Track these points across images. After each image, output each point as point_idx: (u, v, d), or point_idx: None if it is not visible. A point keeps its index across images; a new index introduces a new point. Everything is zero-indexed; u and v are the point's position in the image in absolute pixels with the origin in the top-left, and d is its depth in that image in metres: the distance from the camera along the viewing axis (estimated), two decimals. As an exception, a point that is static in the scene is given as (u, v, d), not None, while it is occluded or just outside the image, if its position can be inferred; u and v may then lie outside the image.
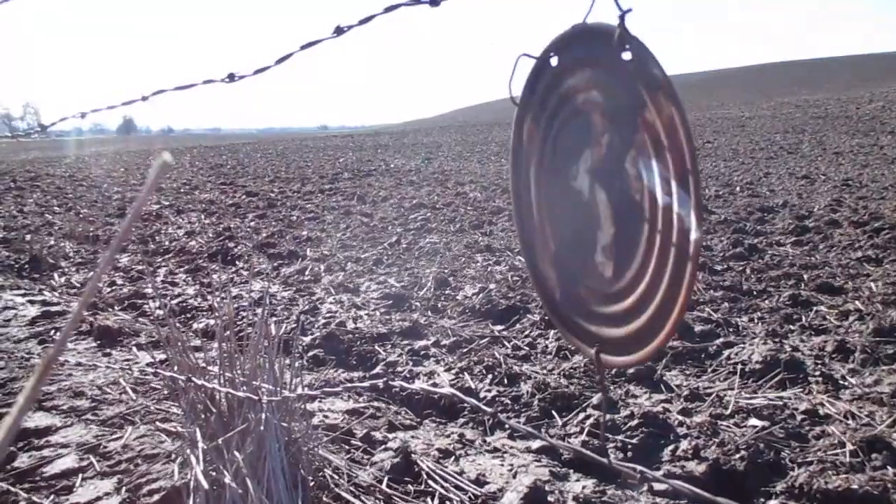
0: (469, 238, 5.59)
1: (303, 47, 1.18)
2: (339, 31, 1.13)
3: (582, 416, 2.27)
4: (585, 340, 1.15)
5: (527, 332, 3.17)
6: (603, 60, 0.93)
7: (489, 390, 2.52)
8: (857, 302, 3.41)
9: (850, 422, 2.18)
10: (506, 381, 2.58)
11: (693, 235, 0.88)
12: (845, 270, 4.13)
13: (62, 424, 2.26)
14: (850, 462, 1.92)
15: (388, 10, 0.99)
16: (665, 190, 0.91)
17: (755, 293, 3.72)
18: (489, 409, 1.19)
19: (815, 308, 3.38)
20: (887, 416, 2.20)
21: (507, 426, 2.24)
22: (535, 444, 2.10)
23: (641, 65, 0.87)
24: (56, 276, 4.49)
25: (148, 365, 2.82)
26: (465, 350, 2.96)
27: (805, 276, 3.98)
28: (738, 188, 8.57)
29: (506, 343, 3.03)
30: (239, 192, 10.03)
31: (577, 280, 1.13)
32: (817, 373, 2.57)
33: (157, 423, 2.21)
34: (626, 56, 0.88)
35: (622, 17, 0.84)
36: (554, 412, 2.32)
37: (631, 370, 2.61)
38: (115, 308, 3.72)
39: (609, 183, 1.01)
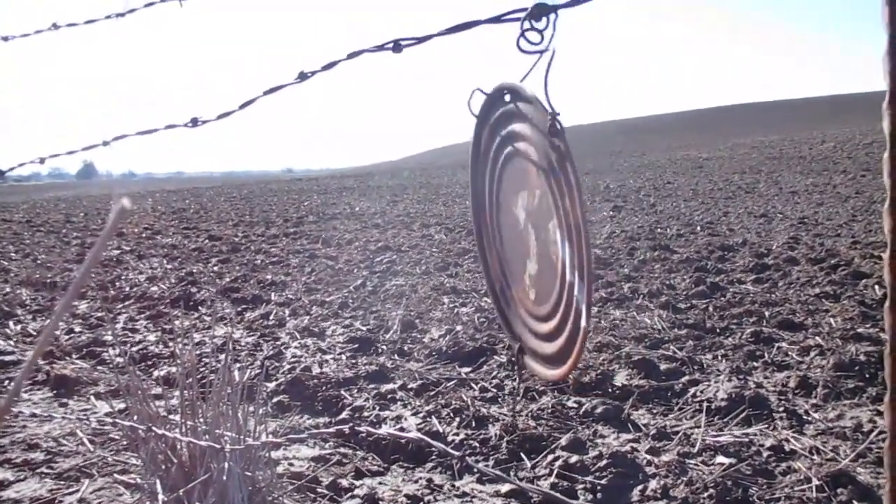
0: (435, 280, 5.59)
1: (266, 92, 1.19)
2: (302, 76, 1.13)
3: (551, 457, 2.25)
4: (514, 336, 1.23)
5: (494, 374, 3.15)
6: (540, 129, 0.99)
7: (457, 433, 2.49)
8: (817, 338, 3.47)
9: (815, 457, 2.20)
10: (474, 423, 2.56)
11: (582, 323, 0.96)
12: (805, 307, 4.21)
13: (15, 479, 2.17)
14: (816, 497, 1.94)
15: (352, 56, 1.00)
16: (570, 272, 0.97)
17: (718, 330, 3.77)
18: (457, 453, 1.17)
19: (776, 344, 3.43)
20: (851, 451, 2.23)
21: (475, 470, 2.21)
22: (505, 488, 2.08)
23: (562, 159, 0.94)
24: (11, 324, 4.37)
25: (106, 415, 2.74)
26: (432, 393, 2.94)
27: (766, 313, 4.04)
28: (698, 227, 8.73)
29: (473, 385, 3.01)
30: (202, 236, 9.92)
31: (512, 284, 1.20)
32: (781, 409, 2.60)
33: (116, 476, 2.15)
34: (557, 142, 0.95)
35: (553, 118, 0.92)
36: (522, 454, 2.31)
37: (598, 410, 2.61)
38: (73, 356, 3.62)
39: (537, 230, 1.07)
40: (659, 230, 8.62)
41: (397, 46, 0.91)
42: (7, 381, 3.21)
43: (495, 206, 1.27)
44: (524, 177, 1.09)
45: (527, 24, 0.79)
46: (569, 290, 1.00)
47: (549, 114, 0.91)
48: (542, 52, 0.83)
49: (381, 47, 0.93)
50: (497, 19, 0.76)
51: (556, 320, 1.07)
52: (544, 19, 0.77)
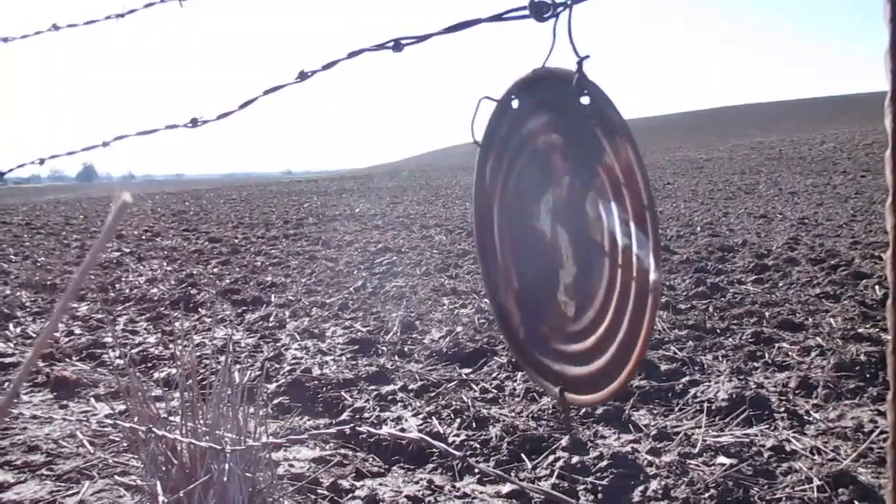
0: (435, 281, 5.58)
1: (266, 92, 1.19)
2: (302, 76, 1.13)
3: (551, 458, 2.25)
4: (550, 380, 1.16)
5: (494, 375, 3.15)
6: (562, 104, 0.95)
7: (457, 434, 2.49)
8: (817, 338, 3.47)
9: (815, 457, 2.20)
10: (474, 424, 2.55)
11: (652, 276, 0.90)
12: (805, 307, 4.21)
13: (15, 480, 2.17)
14: (817, 498, 1.93)
15: (352, 55, 1.00)
16: (624, 231, 0.92)
17: (719, 331, 3.76)
18: (458, 453, 1.17)
19: (777, 345, 3.43)
20: (852, 451, 2.22)
21: (476, 471, 2.21)
22: (506, 489, 2.08)
23: (599, 109, 0.90)
24: (11, 326, 4.37)
25: (107, 416, 2.74)
26: (432, 394, 2.93)
27: (766, 314, 4.04)
28: (698, 228, 8.73)
29: (473, 386, 3.01)
30: (202, 238, 9.92)
31: (540, 318, 1.14)
32: (782, 409, 2.60)
33: (116, 477, 2.14)
34: (585, 100, 0.90)
35: (580, 63, 0.87)
36: (523, 455, 2.30)
37: (599, 410, 2.60)
38: (73, 358, 3.62)
39: (570, 223, 1.02)
40: (659, 231, 8.61)
41: (398, 45, 0.91)
42: (7, 384, 3.21)
43: (508, 243, 1.21)
44: (546, 176, 1.05)
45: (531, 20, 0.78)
46: (624, 258, 0.94)
47: (577, 60, 0.87)
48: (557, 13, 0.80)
49: (381, 46, 0.93)
50: (498, 17, 0.76)
51: (608, 317, 1.00)
52: (547, 15, 0.77)
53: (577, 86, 0.91)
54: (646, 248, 0.92)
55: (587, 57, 0.87)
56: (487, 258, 1.21)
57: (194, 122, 1.34)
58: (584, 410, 2.63)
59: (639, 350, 0.95)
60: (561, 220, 1.07)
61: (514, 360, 3.07)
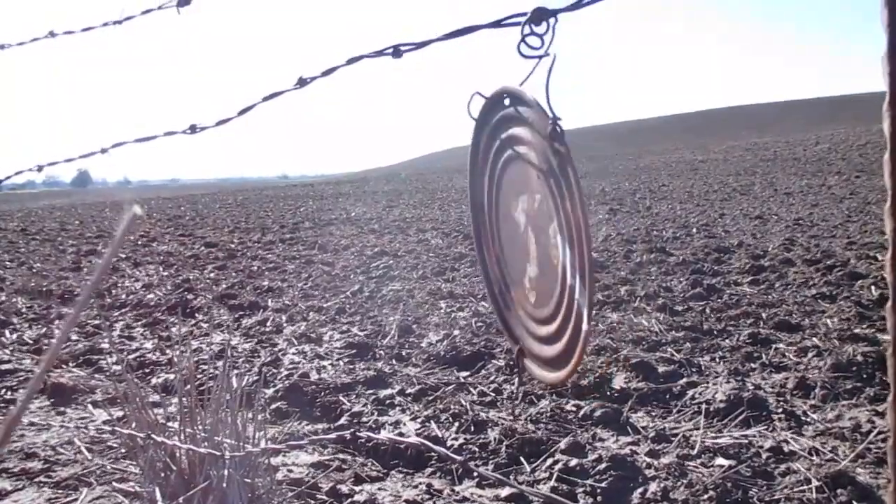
0: (432, 285, 5.58)
1: (265, 99, 1.19)
2: (301, 82, 1.13)
3: (550, 461, 2.25)
4: (512, 337, 1.24)
5: (492, 378, 3.15)
6: (541, 133, 0.99)
7: (456, 438, 2.49)
8: (814, 338, 3.48)
9: (814, 458, 2.20)
10: (472, 428, 2.55)
11: (584, 326, 0.97)
12: (801, 308, 4.22)
13: (13, 488, 2.16)
14: (816, 498, 1.94)
15: (351, 61, 1.00)
16: (571, 274, 0.98)
17: (716, 332, 3.77)
18: (458, 457, 1.17)
19: (774, 346, 3.43)
20: (850, 451, 2.23)
21: (475, 474, 2.21)
22: (505, 492, 2.08)
23: (563, 163, 0.94)
24: (7, 332, 4.36)
25: (104, 423, 2.73)
26: (430, 398, 2.93)
27: (763, 315, 4.05)
28: (694, 230, 8.75)
29: (471, 389, 3.01)
30: (198, 243, 9.91)
31: (512, 286, 1.20)
32: (780, 410, 2.60)
33: (115, 484, 2.14)
34: (558, 146, 0.95)
35: (554, 122, 0.92)
36: (522, 458, 2.30)
37: (597, 413, 2.60)
38: (70, 364, 3.61)
39: (537, 234, 1.07)
40: (655, 233, 8.63)
41: (397, 52, 0.91)
42: (4, 390, 3.20)
43: (494, 210, 1.28)
44: (524, 180, 1.09)
45: (527, 29, 0.79)
46: (570, 293, 1.01)
47: (550, 118, 0.91)
48: (542, 56, 0.83)
49: (380, 53, 0.93)
50: (497, 24, 0.76)
51: (556, 323, 1.07)
52: (544, 24, 0.77)
53: (549, 136, 0.95)
54: (584, 298, 0.99)
55: (560, 119, 0.93)
56: (478, 219, 1.26)
57: (193, 129, 1.34)
58: (582, 413, 2.63)
59: (573, 364, 1.02)
60: (531, 225, 1.11)
61: (512, 364, 3.07)
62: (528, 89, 0.99)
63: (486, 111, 1.15)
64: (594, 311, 4.27)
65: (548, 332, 1.11)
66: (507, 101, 1.07)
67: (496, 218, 1.24)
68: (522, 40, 0.81)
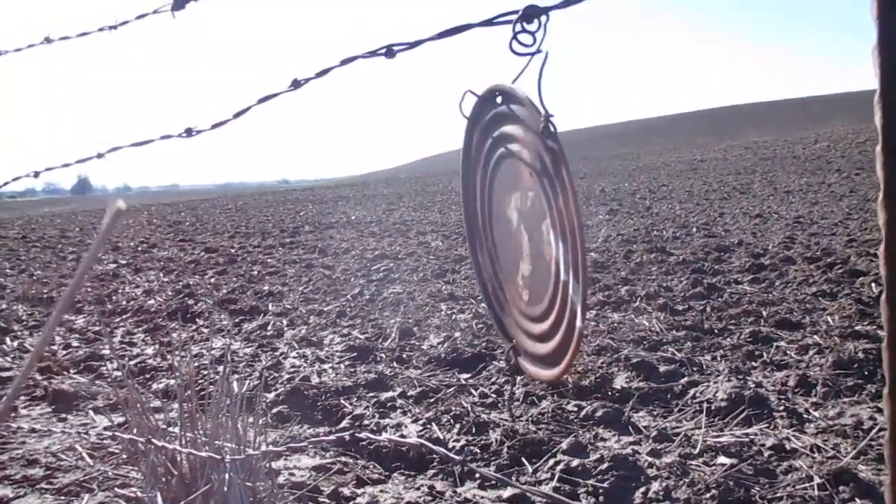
0: (432, 287, 5.58)
1: (260, 101, 1.19)
2: (296, 83, 1.13)
3: (552, 461, 2.25)
4: (506, 334, 1.24)
5: (493, 380, 3.15)
6: (533, 130, 0.99)
7: (457, 440, 2.49)
8: (815, 336, 3.47)
9: (816, 455, 2.20)
10: (474, 429, 2.55)
11: (577, 323, 0.97)
12: (802, 306, 4.21)
13: (14, 495, 2.16)
14: (818, 496, 1.93)
15: (345, 62, 1.00)
16: (565, 271, 0.98)
17: (717, 331, 3.77)
18: (459, 458, 1.17)
19: (775, 344, 3.43)
20: (852, 448, 2.23)
21: (477, 476, 2.21)
22: (507, 493, 2.07)
23: (556, 160, 0.95)
24: (8, 340, 4.36)
25: (105, 429, 2.73)
26: (431, 400, 2.93)
27: (764, 313, 4.05)
28: (694, 229, 8.75)
29: (473, 391, 3.01)
30: (198, 248, 9.91)
31: (505, 285, 1.20)
32: (781, 408, 2.60)
33: (116, 489, 2.14)
34: (550, 143, 0.95)
35: (547, 119, 0.92)
36: (524, 459, 2.30)
37: (598, 413, 2.60)
38: (71, 371, 3.61)
39: (530, 231, 1.08)
40: (655, 232, 8.63)
41: (390, 52, 0.91)
42: (5, 398, 3.20)
43: (487, 208, 1.28)
44: (517, 178, 1.09)
45: (518, 27, 0.79)
46: (563, 290, 1.01)
47: (543, 115, 0.91)
48: (534, 53, 0.83)
49: (374, 53, 0.93)
50: (489, 22, 0.76)
51: (550, 321, 1.07)
52: (536, 21, 0.78)
53: (543, 131, 0.95)
54: (577, 295, 0.99)
55: (552, 115, 0.93)
56: (471, 217, 1.27)
57: (189, 132, 1.34)
58: (583, 413, 2.63)
59: (563, 367, 1.02)
60: (524, 223, 1.12)
61: (512, 364, 3.07)
62: (522, 87, 0.99)
63: (479, 109, 1.15)
64: (592, 312, 4.27)
65: (541, 329, 1.11)
66: (499, 99, 1.07)
67: (489, 216, 1.24)
68: (514, 38, 0.81)
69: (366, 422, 2.74)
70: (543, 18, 0.75)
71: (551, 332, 1.04)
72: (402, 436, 2.57)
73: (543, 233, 1.03)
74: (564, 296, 0.98)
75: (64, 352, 4.00)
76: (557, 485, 2.10)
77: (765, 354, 3.27)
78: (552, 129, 0.92)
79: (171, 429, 1.86)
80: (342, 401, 2.96)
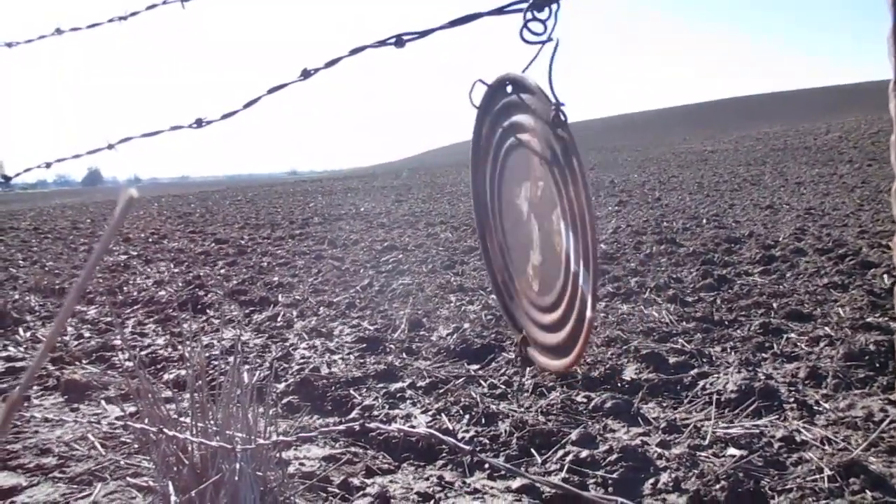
0: (441, 278, 5.59)
1: (270, 91, 1.19)
2: (305, 74, 1.13)
3: (561, 452, 2.25)
4: (516, 325, 1.24)
5: (503, 371, 3.15)
6: (544, 119, 0.99)
7: (467, 430, 2.49)
8: (826, 328, 3.46)
9: (826, 447, 2.19)
10: (483, 420, 2.56)
11: (588, 313, 0.96)
12: (813, 297, 4.19)
13: (28, 484, 2.18)
14: (828, 487, 1.93)
15: (354, 52, 1.00)
16: (575, 261, 0.98)
17: (727, 323, 3.76)
18: (468, 448, 1.17)
19: (785, 335, 3.42)
20: (862, 440, 2.22)
21: (486, 466, 2.22)
22: (516, 484, 2.08)
23: (567, 149, 0.94)
24: (21, 330, 4.39)
25: (117, 418, 2.75)
26: (441, 391, 2.94)
27: (774, 305, 4.03)
28: (704, 220, 8.71)
29: (482, 382, 3.01)
30: (208, 239, 9.94)
31: (515, 276, 1.20)
32: (791, 399, 2.59)
33: (128, 479, 2.15)
34: (561, 133, 0.94)
35: (557, 108, 0.91)
36: (533, 450, 2.30)
37: (608, 404, 2.60)
38: (83, 361, 3.64)
39: (540, 221, 1.07)
40: (665, 224, 8.60)
41: (399, 41, 0.91)
42: (17, 387, 3.22)
43: (497, 198, 1.28)
44: (527, 167, 1.09)
45: (529, 15, 0.79)
46: (573, 280, 1.01)
47: (553, 104, 0.91)
48: (544, 42, 0.83)
49: (383, 42, 0.93)
50: (499, 11, 0.76)
51: (560, 310, 1.07)
52: (546, 9, 0.77)
53: (553, 121, 0.95)
54: (588, 285, 0.98)
55: (563, 104, 0.92)
56: (481, 207, 1.27)
57: (199, 123, 1.34)
58: (593, 404, 2.63)
59: (577, 352, 1.01)
60: (534, 212, 1.11)
61: (523, 356, 3.07)
62: (532, 76, 0.98)
63: (489, 99, 1.15)
64: (601, 303, 4.26)
65: (551, 319, 1.10)
66: (509, 89, 1.07)
67: (499, 205, 1.24)
68: (525, 26, 0.81)
69: (375, 412, 2.75)
70: (554, 7, 0.74)
71: (561, 321, 1.03)
72: (412, 426, 2.57)
73: (553, 222, 1.02)
74: (575, 285, 0.98)
75: (76, 342, 4.03)
76: (567, 475, 2.11)
77: (775, 346, 3.26)
78: (563, 118, 0.92)
79: (182, 419, 1.87)
80: (352, 391, 2.97)
